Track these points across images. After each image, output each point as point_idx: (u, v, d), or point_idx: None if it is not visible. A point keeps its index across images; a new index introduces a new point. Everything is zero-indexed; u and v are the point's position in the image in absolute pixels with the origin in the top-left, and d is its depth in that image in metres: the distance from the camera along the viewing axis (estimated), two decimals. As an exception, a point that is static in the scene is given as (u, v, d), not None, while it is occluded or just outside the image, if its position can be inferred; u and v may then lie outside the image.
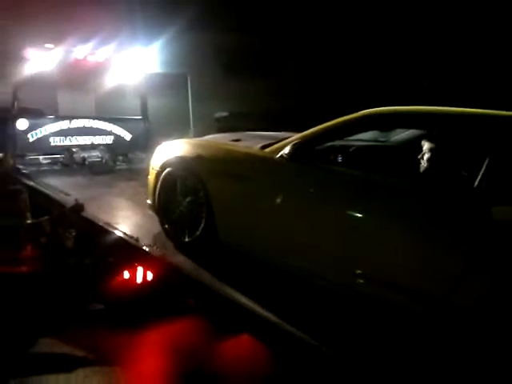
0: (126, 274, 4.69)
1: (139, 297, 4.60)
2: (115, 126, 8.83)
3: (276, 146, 3.20)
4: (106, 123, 8.76)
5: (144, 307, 4.58)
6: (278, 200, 3.10)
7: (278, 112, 12.50)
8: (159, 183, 3.81)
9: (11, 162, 7.00)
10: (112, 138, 8.76)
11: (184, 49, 12.31)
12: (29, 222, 5.02)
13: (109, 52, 9.18)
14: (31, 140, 7.85)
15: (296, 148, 3.02)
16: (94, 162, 8.02)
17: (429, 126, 3.02)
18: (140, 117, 9.41)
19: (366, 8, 12.98)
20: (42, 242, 4.82)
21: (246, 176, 3.28)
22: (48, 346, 4.20)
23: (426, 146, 2.96)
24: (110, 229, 4.21)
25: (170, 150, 3.85)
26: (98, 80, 9.92)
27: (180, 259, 3.52)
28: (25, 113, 7.85)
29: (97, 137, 8.54)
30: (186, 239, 3.62)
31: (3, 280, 4.52)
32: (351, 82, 12.95)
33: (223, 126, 11.80)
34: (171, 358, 4.11)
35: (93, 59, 9.07)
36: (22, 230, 4.87)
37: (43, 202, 5.54)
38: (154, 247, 3.76)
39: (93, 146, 8.38)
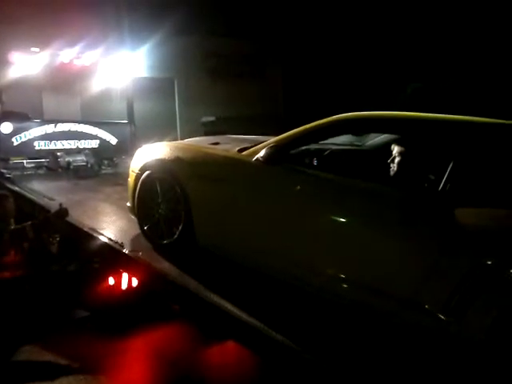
0: (111, 280, 4.64)
1: (124, 303, 4.55)
2: (101, 130, 8.78)
3: (252, 149, 3.23)
4: (92, 127, 8.71)
5: (129, 314, 4.53)
6: (254, 202, 3.13)
7: (265, 117, 12.54)
8: (138, 186, 3.81)
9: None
10: (97, 142, 8.71)
11: (171, 53, 12.28)
12: (12, 227, 4.94)
13: (95, 56, 9.17)
14: (15, 144, 7.79)
15: (271, 151, 3.03)
16: (79, 166, 7.97)
17: (397, 130, 3.10)
18: (126, 121, 9.38)
19: (352, 13, 13.09)
20: (25, 248, 4.75)
21: (223, 178, 3.30)
22: (31, 353, 4.11)
23: (395, 149, 3.02)
24: (95, 234, 4.18)
25: (150, 153, 3.85)
26: (84, 84, 9.89)
27: (165, 265, 3.49)
28: (9, 116, 7.79)
29: (82, 141, 8.49)
30: (165, 241, 3.62)
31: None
32: (338, 86, 13.04)
33: (209, 131, 11.81)
34: (157, 365, 4.06)
35: (79, 63, 9.07)
36: (6, 235, 4.80)
37: (27, 207, 5.49)
38: (140, 253, 3.74)
39: (78, 150, 8.34)
